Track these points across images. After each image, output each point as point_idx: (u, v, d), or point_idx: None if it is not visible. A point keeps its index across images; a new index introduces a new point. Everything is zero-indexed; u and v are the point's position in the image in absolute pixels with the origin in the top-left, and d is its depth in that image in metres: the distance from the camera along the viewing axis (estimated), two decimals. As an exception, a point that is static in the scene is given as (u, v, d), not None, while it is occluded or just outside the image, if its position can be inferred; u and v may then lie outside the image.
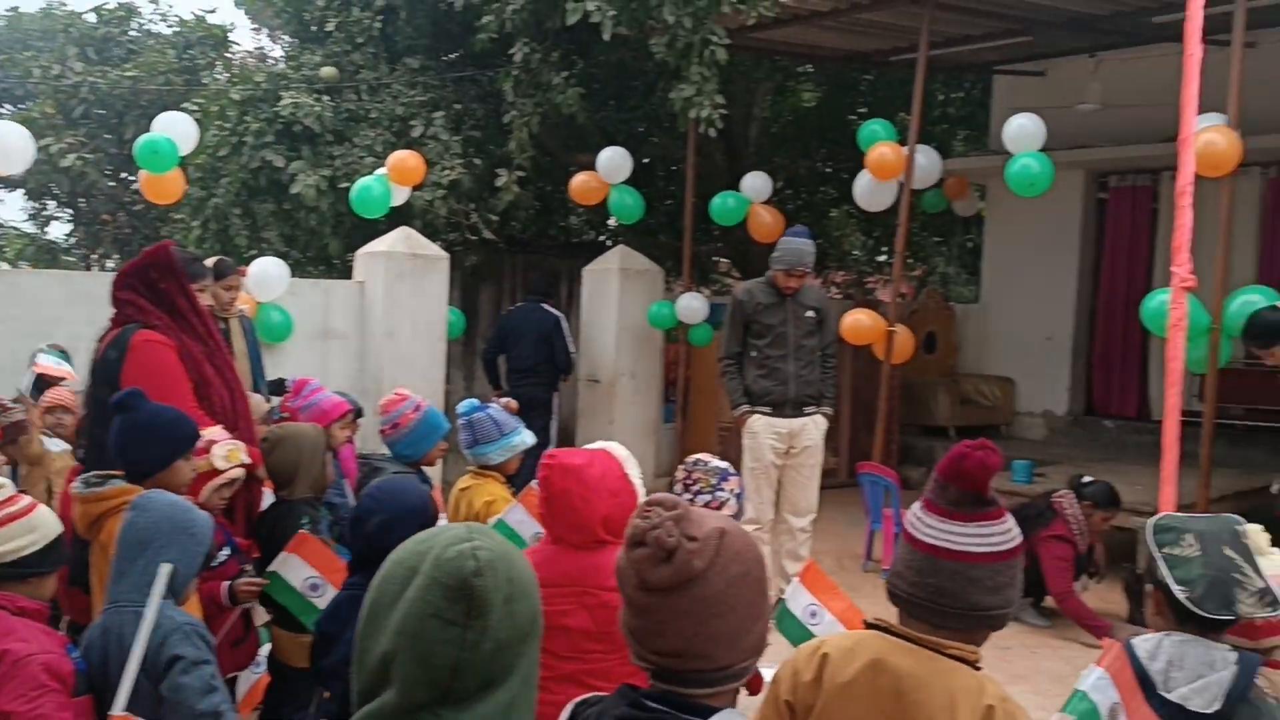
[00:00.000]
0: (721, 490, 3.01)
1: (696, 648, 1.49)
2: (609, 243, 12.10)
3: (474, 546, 1.33)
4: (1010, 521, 1.88)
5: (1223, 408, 7.71)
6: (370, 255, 8.10)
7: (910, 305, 11.30)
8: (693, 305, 8.82)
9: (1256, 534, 2.49)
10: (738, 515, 3.04)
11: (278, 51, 12.92)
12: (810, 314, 5.99)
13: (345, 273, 8.71)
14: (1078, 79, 9.60)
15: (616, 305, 9.10)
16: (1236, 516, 2.38)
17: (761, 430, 5.95)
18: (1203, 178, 5.90)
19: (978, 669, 1.86)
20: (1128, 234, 9.99)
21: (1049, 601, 6.04)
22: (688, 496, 2.99)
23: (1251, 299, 5.40)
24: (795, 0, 7.76)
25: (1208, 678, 2.15)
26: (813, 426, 6.01)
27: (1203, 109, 4.93)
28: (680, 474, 3.12)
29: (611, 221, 11.92)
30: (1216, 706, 2.12)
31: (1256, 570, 2.25)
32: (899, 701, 1.82)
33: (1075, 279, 10.31)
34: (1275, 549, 2.46)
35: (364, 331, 8.00)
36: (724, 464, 3.10)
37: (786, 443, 5.97)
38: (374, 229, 8.45)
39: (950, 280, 17.94)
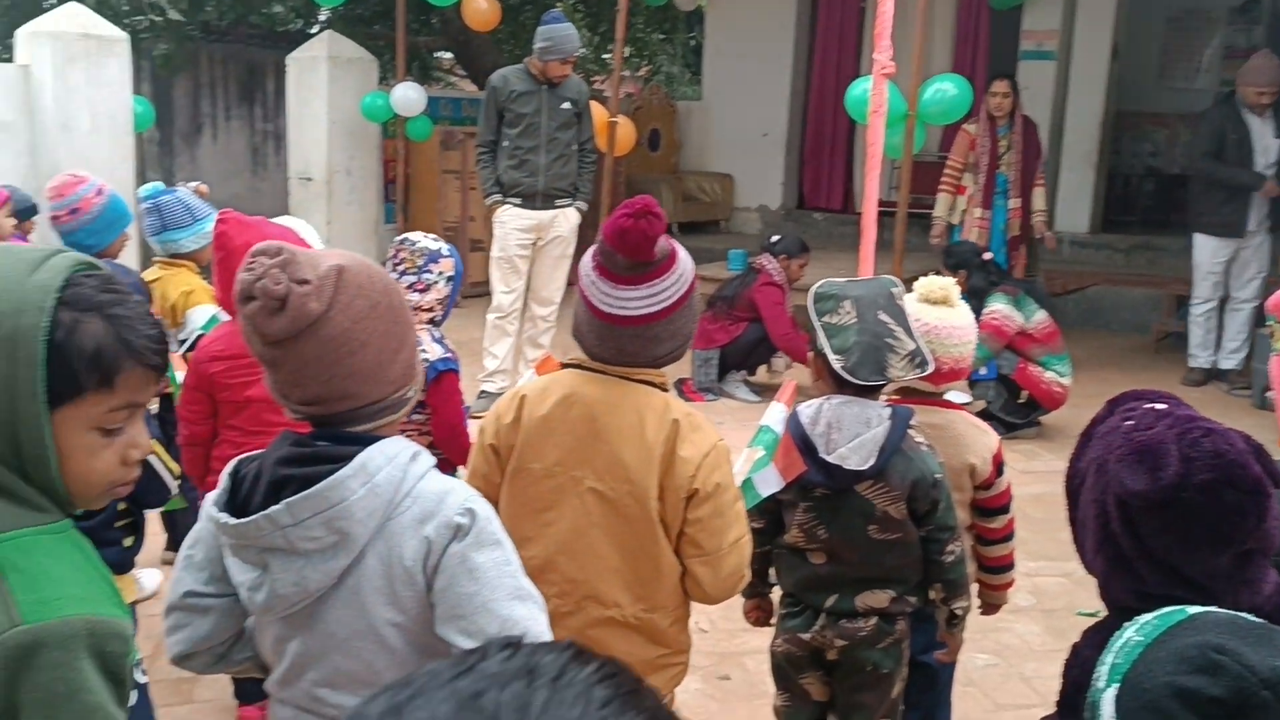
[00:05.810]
0: (429, 272, 2.89)
1: (336, 389, 1.42)
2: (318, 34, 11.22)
3: None
4: (680, 265, 1.92)
5: (916, 197, 8.23)
6: (34, 35, 7.08)
7: (634, 102, 11.26)
8: (409, 96, 8.36)
9: (948, 287, 2.63)
10: (450, 298, 2.95)
11: None
12: (567, 105, 5.88)
13: (5, 55, 7.64)
14: None
15: (326, 97, 8.50)
16: (894, 278, 2.42)
17: (509, 221, 5.91)
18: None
19: (665, 390, 1.99)
20: (838, 30, 10.27)
21: (760, 375, 6.44)
22: (394, 276, 2.87)
23: (944, 86, 5.70)
24: None
25: (863, 435, 2.23)
26: (563, 219, 6.01)
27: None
28: (390, 252, 2.98)
29: (323, 14, 11.00)
30: (871, 462, 2.22)
31: (908, 332, 2.31)
32: (592, 425, 1.94)
33: (790, 75, 10.55)
34: (962, 300, 2.62)
35: (33, 123, 7.09)
36: (438, 244, 2.98)
37: (535, 234, 5.95)
38: (35, 6, 7.40)
39: (675, 79, 17.99)
